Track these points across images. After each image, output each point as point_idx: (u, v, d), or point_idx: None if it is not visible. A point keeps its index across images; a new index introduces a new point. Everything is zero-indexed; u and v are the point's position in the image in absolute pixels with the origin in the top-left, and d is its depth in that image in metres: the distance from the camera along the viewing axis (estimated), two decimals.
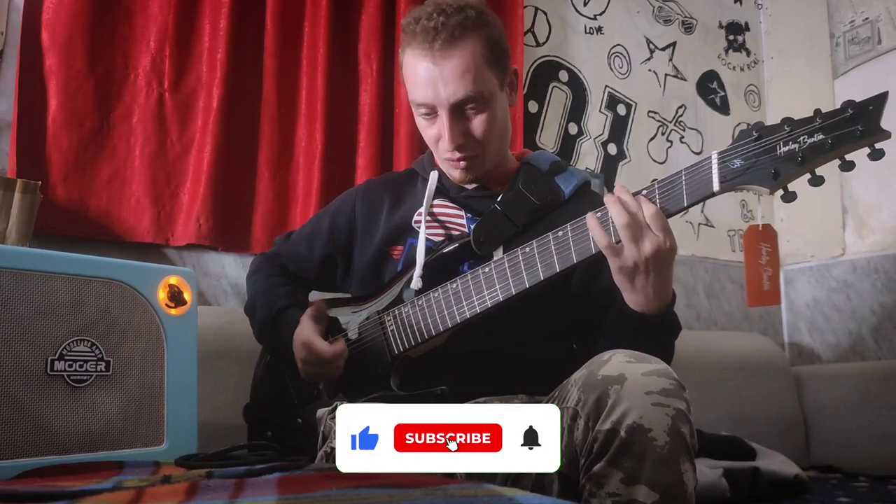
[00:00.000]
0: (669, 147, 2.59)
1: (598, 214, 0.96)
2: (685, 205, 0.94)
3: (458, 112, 1.12)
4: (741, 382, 2.19)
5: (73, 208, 1.55)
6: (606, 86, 2.47)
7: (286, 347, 1.17)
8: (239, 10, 1.74)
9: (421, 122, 1.17)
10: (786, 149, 0.88)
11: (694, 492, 0.87)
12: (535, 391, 1.09)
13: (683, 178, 0.94)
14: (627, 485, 0.84)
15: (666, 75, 2.62)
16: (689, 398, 0.88)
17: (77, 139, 1.57)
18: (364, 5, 1.92)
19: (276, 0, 1.81)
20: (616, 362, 0.90)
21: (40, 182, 1.41)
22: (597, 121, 2.43)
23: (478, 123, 1.13)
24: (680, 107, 2.65)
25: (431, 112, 1.13)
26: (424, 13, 1.12)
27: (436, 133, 1.15)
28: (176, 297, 1.04)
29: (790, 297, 2.72)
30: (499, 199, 1.18)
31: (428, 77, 1.10)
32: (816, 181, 0.89)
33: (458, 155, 1.15)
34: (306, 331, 1.13)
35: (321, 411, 1.11)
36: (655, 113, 2.58)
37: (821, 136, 0.87)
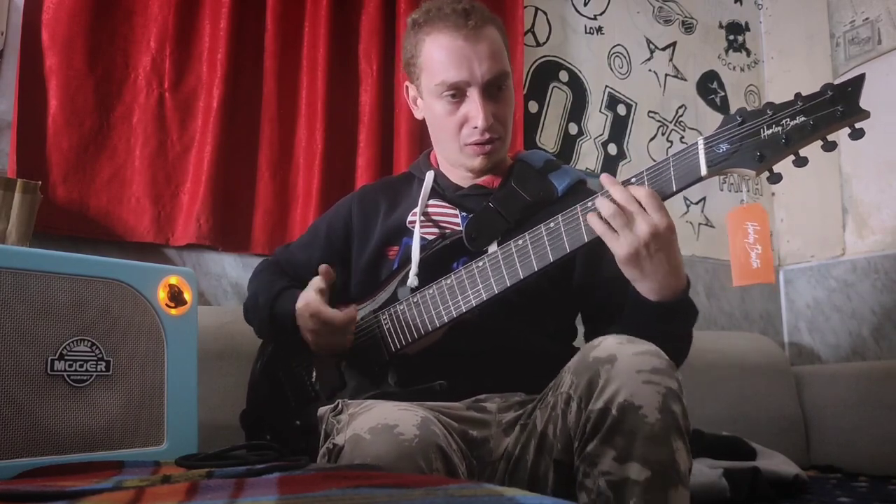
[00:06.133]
0: (670, 147, 2.59)
1: (590, 205, 0.97)
2: (674, 189, 0.95)
3: (489, 92, 1.15)
4: (741, 382, 2.19)
5: (73, 208, 1.55)
6: (606, 86, 2.47)
7: (287, 323, 1.18)
8: (239, 10, 1.75)
9: (444, 108, 1.17)
10: (769, 132, 0.90)
11: (688, 473, 0.87)
12: (533, 388, 1.09)
13: (671, 163, 0.95)
14: (620, 462, 0.85)
15: (666, 75, 2.62)
16: (680, 379, 0.90)
17: (77, 139, 1.57)
18: (364, 5, 1.92)
19: (276, 0, 1.81)
20: (607, 345, 0.92)
21: (40, 182, 1.41)
22: (597, 121, 2.43)
23: (502, 106, 1.17)
24: (680, 107, 2.64)
25: (459, 94, 1.15)
26: (446, 1, 1.16)
27: (461, 117, 1.16)
28: (176, 296, 1.04)
29: (790, 297, 2.72)
30: (491, 196, 1.19)
31: (462, 55, 1.13)
32: (801, 162, 0.91)
33: (487, 136, 1.16)
34: (313, 302, 1.14)
35: (322, 409, 1.11)
36: (655, 113, 2.58)
37: (803, 118, 0.89)
